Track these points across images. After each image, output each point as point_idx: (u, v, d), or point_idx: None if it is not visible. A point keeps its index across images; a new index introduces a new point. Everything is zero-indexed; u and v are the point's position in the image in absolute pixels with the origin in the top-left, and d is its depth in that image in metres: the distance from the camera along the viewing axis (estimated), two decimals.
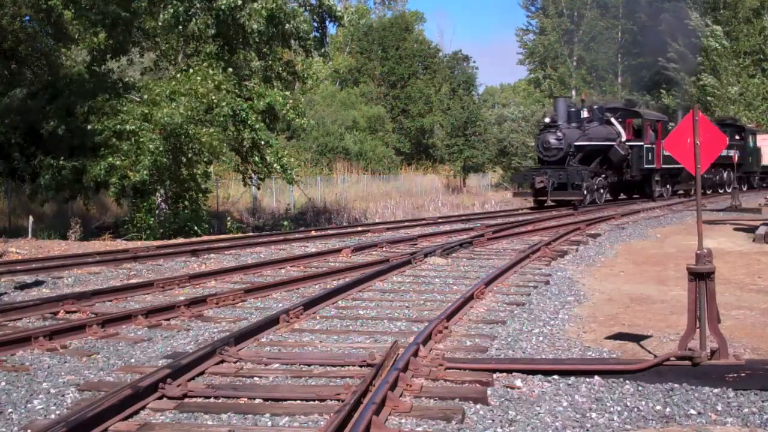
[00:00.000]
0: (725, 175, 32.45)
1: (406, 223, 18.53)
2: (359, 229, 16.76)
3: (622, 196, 28.66)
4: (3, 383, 5.08)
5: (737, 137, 33.30)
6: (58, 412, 4.50)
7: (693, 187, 28.92)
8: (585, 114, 25.21)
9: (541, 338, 6.27)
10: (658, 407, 4.52)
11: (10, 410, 4.53)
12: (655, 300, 8.11)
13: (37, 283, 9.47)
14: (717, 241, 13.01)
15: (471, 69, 59.11)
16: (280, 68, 21.07)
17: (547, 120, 24.66)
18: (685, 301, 5.21)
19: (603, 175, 24.57)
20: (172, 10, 18.55)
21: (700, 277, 5.01)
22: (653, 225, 17.59)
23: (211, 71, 18.54)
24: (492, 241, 13.65)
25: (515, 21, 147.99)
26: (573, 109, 25.27)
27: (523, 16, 78.34)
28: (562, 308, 7.57)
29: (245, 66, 20.92)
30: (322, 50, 22.69)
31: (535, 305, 7.64)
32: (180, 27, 19.22)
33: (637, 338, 6.24)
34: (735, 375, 4.83)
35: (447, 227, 16.87)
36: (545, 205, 23.61)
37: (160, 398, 4.58)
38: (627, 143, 24.95)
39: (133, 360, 5.74)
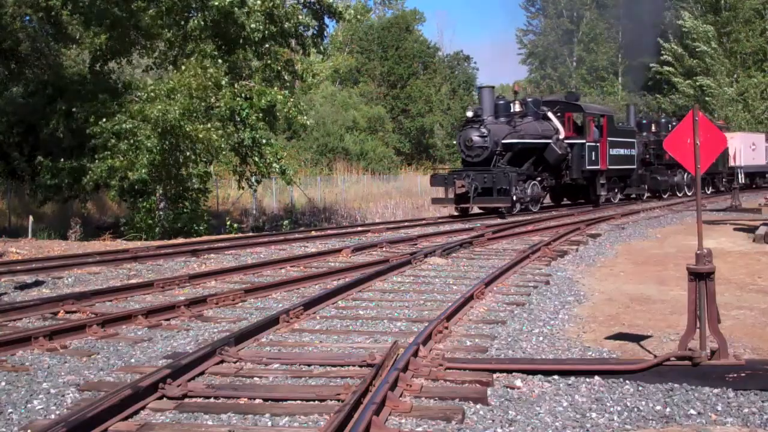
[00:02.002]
0: (684, 176, 29.90)
1: (406, 223, 18.54)
2: (359, 229, 16.76)
3: (565, 201, 26.06)
4: (3, 383, 5.08)
5: None
6: (58, 412, 4.50)
7: (645, 191, 27.24)
8: (517, 107, 22.34)
9: (541, 338, 6.27)
10: (658, 407, 4.52)
11: (10, 410, 4.53)
12: (655, 300, 8.11)
13: (37, 283, 9.47)
14: (717, 241, 13.01)
15: (471, 69, 59.14)
16: (279, 67, 21.09)
17: (469, 114, 21.19)
18: (685, 301, 5.21)
19: (538, 178, 21.52)
20: (164, 8, 18.57)
21: (700, 277, 5.01)
22: (653, 225, 17.60)
23: (205, 64, 18.49)
24: (492, 241, 13.65)
25: (515, 21, 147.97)
26: (502, 102, 22.13)
27: (523, 16, 78.25)
28: (562, 308, 7.57)
29: (245, 66, 20.93)
30: (321, 47, 22.66)
31: (535, 305, 7.64)
32: (176, 27, 19.25)
33: (637, 338, 6.24)
34: (735, 375, 4.83)
35: (447, 227, 16.87)
36: (470, 212, 20.77)
37: (160, 398, 4.58)
38: (566, 141, 22.12)
39: (133, 360, 5.74)
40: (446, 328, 6.25)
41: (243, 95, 19.50)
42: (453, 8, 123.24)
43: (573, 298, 8.16)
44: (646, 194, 27.72)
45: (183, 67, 18.54)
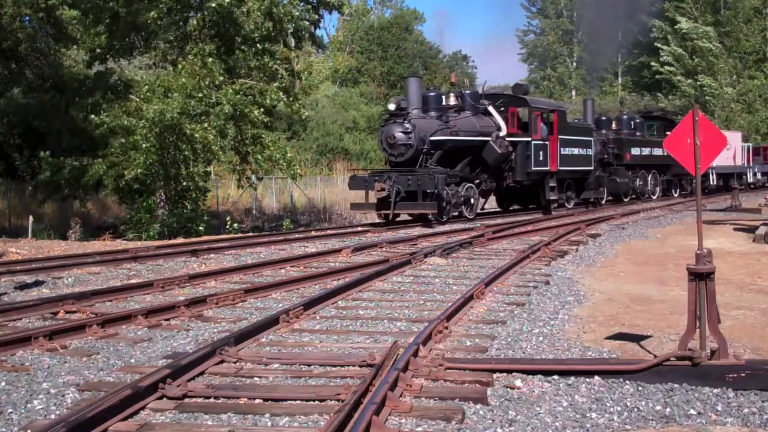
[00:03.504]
0: (649, 178, 27.64)
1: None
2: (359, 229, 16.76)
3: (515, 206, 23.64)
4: (3, 383, 5.08)
5: (666, 132, 26.91)
6: (58, 412, 4.50)
7: (603, 195, 24.50)
8: (452, 101, 19.89)
9: (541, 338, 6.27)
10: (658, 407, 4.52)
11: (10, 410, 4.53)
12: (655, 300, 8.11)
13: (37, 283, 9.46)
14: (717, 241, 13.02)
15: (470, 69, 59.15)
16: (277, 65, 21.11)
17: (391, 106, 18.30)
18: (685, 301, 5.21)
19: (476, 181, 19.24)
20: (164, 6, 18.59)
21: (700, 277, 5.01)
22: (653, 225, 17.61)
23: (205, 61, 18.51)
24: (492, 241, 13.65)
25: (516, 21, 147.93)
26: (432, 94, 19.59)
27: (524, 16, 78.22)
28: (562, 308, 7.57)
29: (244, 65, 20.96)
30: (317, 41, 22.67)
31: (535, 305, 7.64)
32: (176, 27, 19.27)
33: (637, 338, 6.23)
34: (735, 375, 4.83)
35: (447, 227, 16.87)
36: (396, 220, 18.17)
37: (160, 398, 4.58)
38: (508, 139, 19.84)
39: (133, 360, 5.74)
40: (446, 328, 6.25)
41: (243, 92, 19.52)
42: (453, 8, 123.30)
43: (573, 298, 8.16)
44: (605, 198, 25.27)
45: (180, 66, 18.57)
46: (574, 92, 61.07)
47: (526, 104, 20.88)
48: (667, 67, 48.33)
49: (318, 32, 22.56)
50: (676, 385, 4.84)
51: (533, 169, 20.34)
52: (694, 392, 4.74)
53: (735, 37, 47.32)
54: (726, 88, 45.53)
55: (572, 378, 5.03)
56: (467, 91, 20.57)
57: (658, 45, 48.37)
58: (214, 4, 18.36)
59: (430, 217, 17.26)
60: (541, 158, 20.61)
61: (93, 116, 18.51)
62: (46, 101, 21.09)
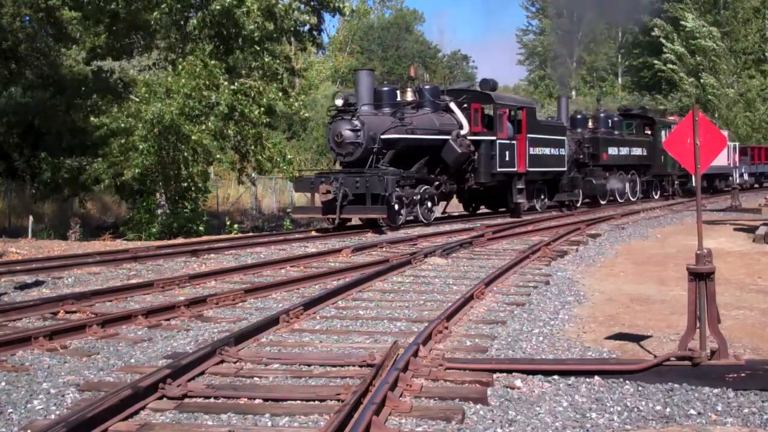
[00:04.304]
0: (628, 179, 26.18)
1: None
2: (359, 229, 16.75)
3: (483, 209, 22.17)
4: (3, 383, 5.08)
5: (646, 131, 27.70)
6: (58, 412, 4.50)
7: (578, 197, 22.90)
8: (408, 96, 18.52)
9: (541, 338, 6.27)
10: (658, 407, 4.52)
11: (10, 410, 4.53)
12: (655, 300, 8.11)
13: (37, 283, 9.46)
14: (717, 241, 13.02)
15: (470, 68, 59.19)
16: (277, 65, 21.12)
17: (338, 102, 16.80)
18: (685, 301, 5.21)
19: (436, 183, 17.81)
20: (166, 7, 18.61)
21: (700, 277, 5.01)
22: (653, 225, 17.61)
23: (206, 60, 18.52)
24: (492, 241, 13.66)
25: (516, 21, 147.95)
26: (386, 89, 18.00)
27: (524, 16, 78.26)
28: (562, 308, 7.57)
29: (244, 65, 20.99)
30: (318, 42, 22.67)
31: (535, 305, 7.64)
32: (176, 26, 19.30)
33: (637, 338, 6.24)
34: (735, 375, 4.83)
35: (447, 227, 16.85)
36: (347, 225, 16.65)
37: (160, 398, 4.58)
38: (470, 138, 18.40)
39: (133, 360, 5.74)
40: (446, 328, 6.25)
41: (243, 92, 19.54)
42: (453, 8, 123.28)
43: (573, 298, 8.16)
44: (581, 201, 23.67)
45: (180, 67, 18.60)
46: (574, 92, 61.07)
47: (490, 101, 19.54)
48: (669, 65, 48.29)
49: (318, 33, 22.52)
50: (676, 385, 4.84)
51: (498, 170, 19.12)
52: (694, 392, 4.74)
53: (734, 37, 47.33)
54: (727, 89, 45.52)
55: (572, 378, 5.03)
56: (427, 86, 19.12)
57: (663, 41, 48.29)
58: (218, 6, 18.37)
59: (380, 222, 16.01)
60: (507, 159, 19.41)
61: (92, 118, 18.55)
62: (45, 101, 21.12)
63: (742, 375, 4.83)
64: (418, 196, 16.88)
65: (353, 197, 15.70)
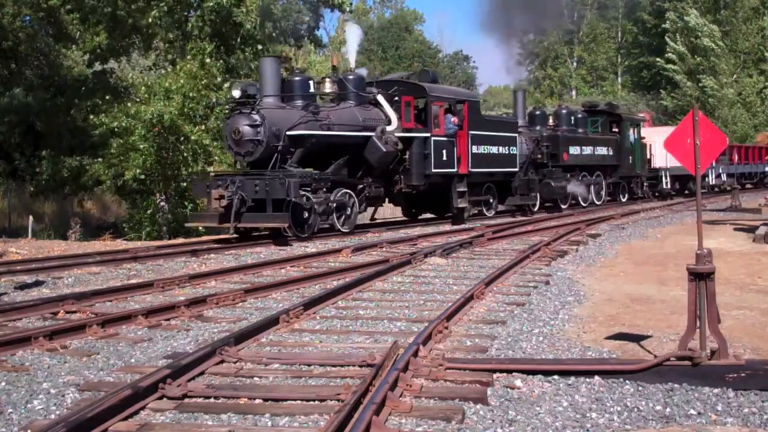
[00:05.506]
0: (593, 181, 24.18)
1: (406, 223, 18.48)
2: (359, 229, 16.75)
3: (427, 214, 20.10)
4: (3, 383, 5.08)
5: (613, 129, 25.73)
6: (58, 412, 4.50)
7: (535, 201, 21.01)
8: (328, 87, 16.38)
9: (541, 338, 6.27)
10: (658, 407, 4.52)
11: (10, 410, 4.53)
12: (655, 300, 8.11)
13: (37, 283, 9.46)
14: (717, 241, 13.02)
15: (471, 69, 59.18)
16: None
17: (235, 93, 14.53)
18: (685, 301, 5.21)
19: (359, 186, 15.80)
20: (164, 6, 18.63)
21: (700, 277, 5.01)
22: (653, 225, 17.61)
23: (205, 60, 18.51)
24: (492, 241, 13.66)
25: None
26: (298, 79, 15.65)
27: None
28: (562, 308, 7.57)
29: (244, 65, 21.01)
30: (317, 40, 22.70)
31: (535, 305, 7.64)
32: (176, 26, 19.32)
33: (637, 338, 6.24)
34: (735, 375, 4.83)
35: (447, 227, 16.86)
36: (254, 234, 14.46)
37: (160, 398, 4.58)
38: (400, 134, 16.33)
39: (133, 360, 5.74)
40: (446, 328, 6.25)
41: None
42: (453, 7, 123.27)
43: (573, 298, 8.16)
44: (538, 205, 21.53)
45: (179, 67, 18.62)
46: (574, 92, 61.08)
47: (423, 93, 17.41)
48: (670, 65, 48.25)
49: (318, 32, 22.60)
50: (676, 385, 4.84)
51: (433, 171, 17.03)
52: (694, 392, 4.74)
53: (734, 36, 47.33)
54: (727, 89, 45.51)
55: (572, 378, 5.03)
56: (351, 77, 16.66)
57: (667, 39, 48.20)
58: (211, 3, 18.37)
59: (284, 232, 13.77)
60: (444, 158, 17.34)
61: (92, 117, 18.58)
62: (46, 101, 21.14)
63: (742, 375, 4.83)
64: (335, 202, 14.76)
65: (253, 203, 13.64)
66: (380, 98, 16.56)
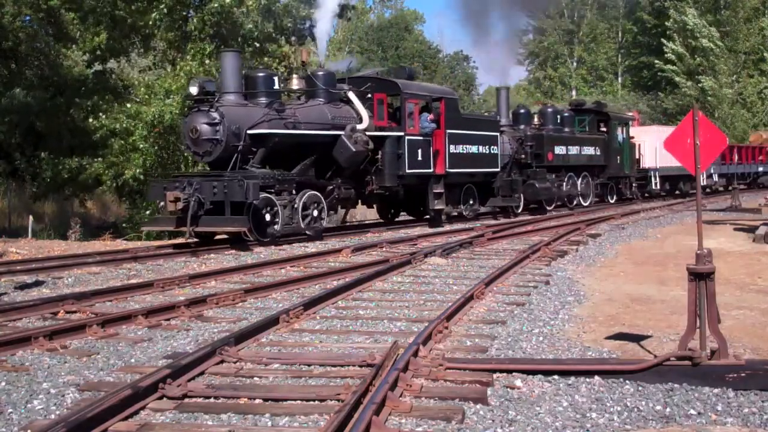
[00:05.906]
0: (579, 182, 23.28)
1: (406, 223, 18.48)
2: (359, 229, 16.75)
3: (405, 216, 19.49)
4: (3, 383, 5.08)
5: (601, 128, 25.02)
6: (58, 412, 4.50)
7: (518, 202, 20.27)
8: (295, 84, 15.72)
9: (541, 338, 6.27)
10: (658, 407, 4.52)
11: (10, 410, 4.53)
12: (655, 300, 8.11)
13: (37, 283, 9.47)
14: (717, 241, 13.02)
15: (471, 69, 59.17)
16: (276, 65, 21.10)
17: (192, 90, 13.73)
18: (685, 301, 5.21)
19: (329, 187, 15.09)
20: (164, 8, 18.64)
21: (700, 277, 5.01)
22: (653, 225, 17.61)
23: (204, 60, 18.52)
24: (492, 241, 13.67)
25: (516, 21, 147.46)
26: (262, 74, 15.09)
27: (524, 16, 78.22)
28: (562, 308, 7.57)
29: (244, 65, 21.03)
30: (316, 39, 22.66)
31: (535, 305, 7.64)
32: (176, 26, 19.33)
33: (637, 338, 6.24)
34: (735, 375, 4.83)
35: (447, 227, 16.87)
36: (215, 238, 13.92)
37: (160, 398, 4.58)
38: (371, 133, 15.61)
39: (133, 360, 5.74)
40: (446, 328, 6.25)
41: None
42: (452, 7, 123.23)
43: (573, 298, 8.16)
44: (521, 206, 20.69)
45: (178, 67, 18.62)
46: (574, 92, 61.08)
47: (397, 90, 16.71)
48: (669, 66, 48.23)
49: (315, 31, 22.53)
50: (676, 385, 4.84)
51: (408, 171, 16.31)
52: (694, 392, 4.74)
53: (734, 36, 47.32)
54: (726, 89, 45.51)
55: (572, 378, 5.03)
56: (320, 73, 16.00)
57: (663, 41, 48.20)
58: (216, 5, 18.37)
59: (244, 236, 13.06)
60: (420, 158, 16.63)
61: (92, 119, 18.59)
62: (46, 101, 21.15)
63: (742, 375, 4.83)
64: (301, 205, 14.01)
65: (212, 206, 12.89)
66: (351, 95, 15.87)
